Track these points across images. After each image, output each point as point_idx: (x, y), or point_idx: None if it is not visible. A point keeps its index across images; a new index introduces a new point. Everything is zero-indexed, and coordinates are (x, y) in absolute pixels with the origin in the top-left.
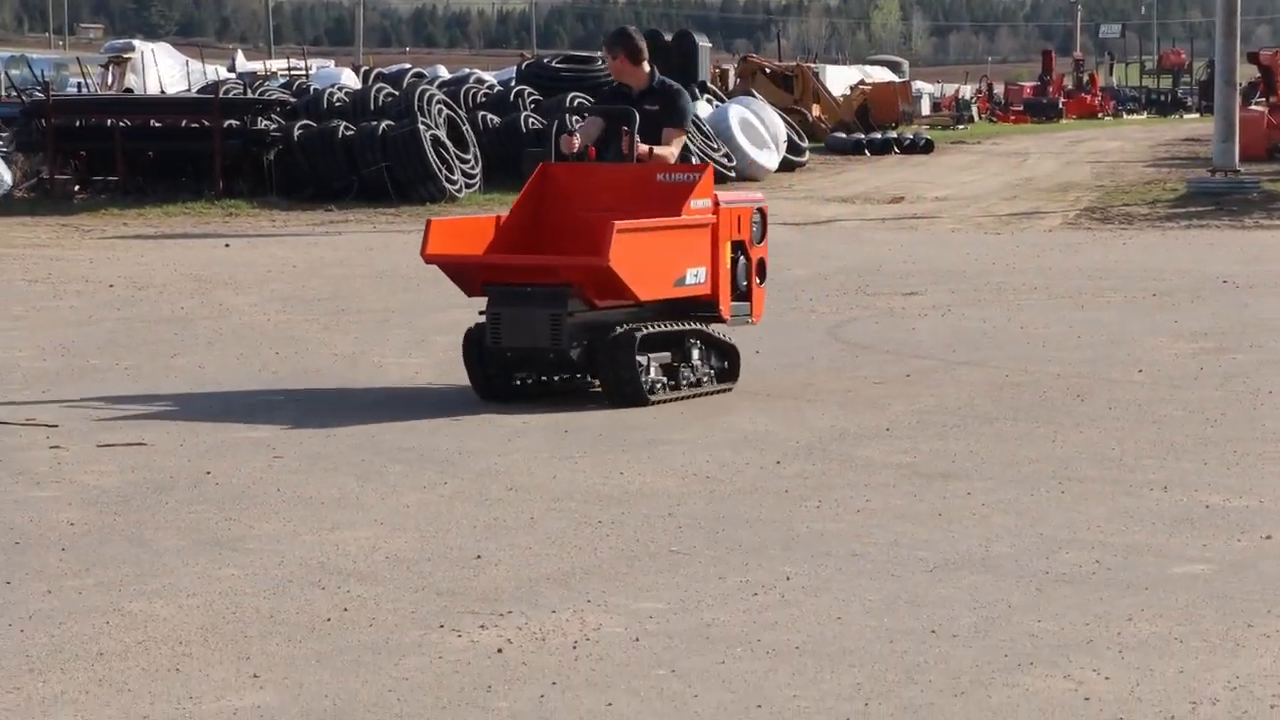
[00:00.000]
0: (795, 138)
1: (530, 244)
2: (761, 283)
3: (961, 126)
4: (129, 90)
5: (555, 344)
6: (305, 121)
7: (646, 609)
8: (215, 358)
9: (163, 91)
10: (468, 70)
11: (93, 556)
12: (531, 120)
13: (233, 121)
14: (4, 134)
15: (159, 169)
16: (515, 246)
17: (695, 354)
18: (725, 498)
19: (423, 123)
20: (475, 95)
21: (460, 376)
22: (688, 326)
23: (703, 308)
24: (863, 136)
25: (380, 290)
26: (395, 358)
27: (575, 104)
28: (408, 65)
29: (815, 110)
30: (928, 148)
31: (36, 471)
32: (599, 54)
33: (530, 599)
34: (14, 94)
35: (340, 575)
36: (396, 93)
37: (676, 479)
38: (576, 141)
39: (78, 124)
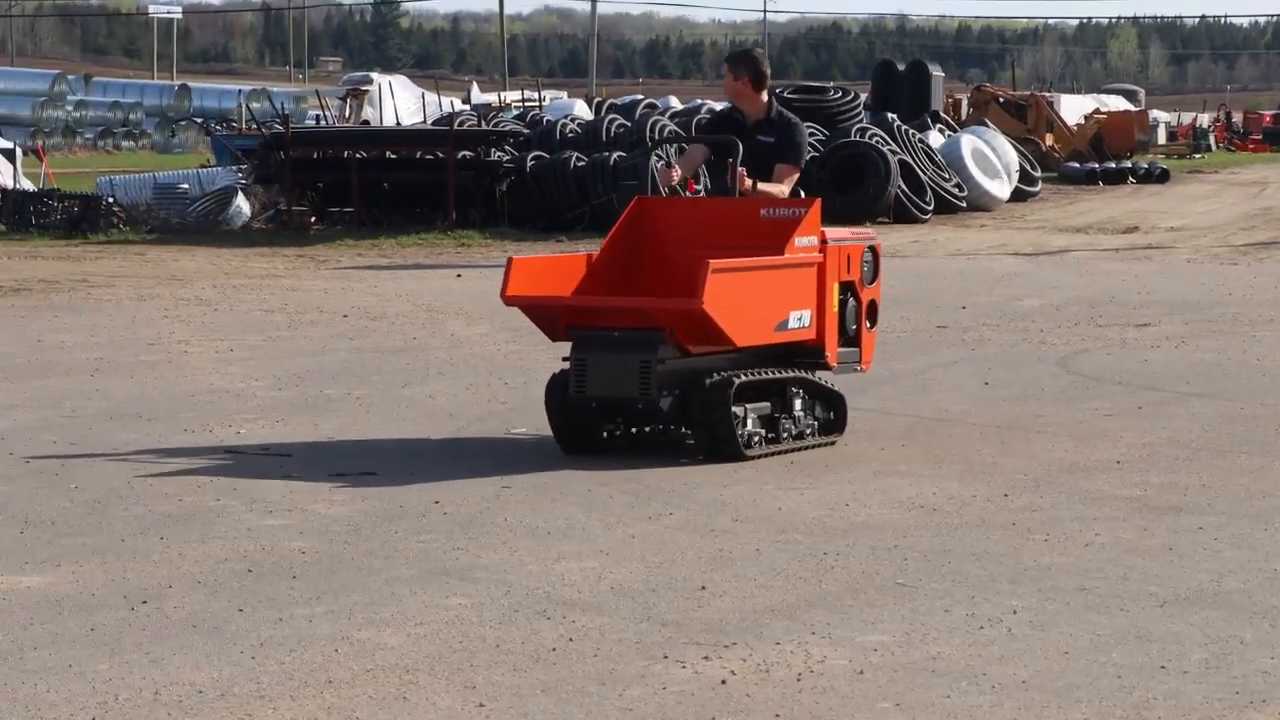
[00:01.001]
0: (1028, 167)
1: (622, 284)
2: (873, 327)
3: (1198, 155)
4: (366, 122)
5: (644, 393)
6: (538, 152)
7: (871, 641)
8: (446, 388)
9: (399, 123)
10: (700, 101)
11: (323, 585)
12: None
13: (467, 153)
14: (244, 166)
15: (394, 200)
16: (606, 287)
17: (798, 404)
18: (952, 530)
19: (654, 153)
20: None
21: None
22: (790, 374)
23: (807, 354)
24: (1096, 166)
25: None
26: None
27: (666, 132)
28: (640, 96)
29: (1049, 140)
30: (1163, 177)
31: (269, 500)
32: (831, 84)
33: (755, 630)
34: (254, 127)
35: (565, 605)
36: (628, 123)
37: (902, 511)
38: (675, 174)
39: (315, 156)
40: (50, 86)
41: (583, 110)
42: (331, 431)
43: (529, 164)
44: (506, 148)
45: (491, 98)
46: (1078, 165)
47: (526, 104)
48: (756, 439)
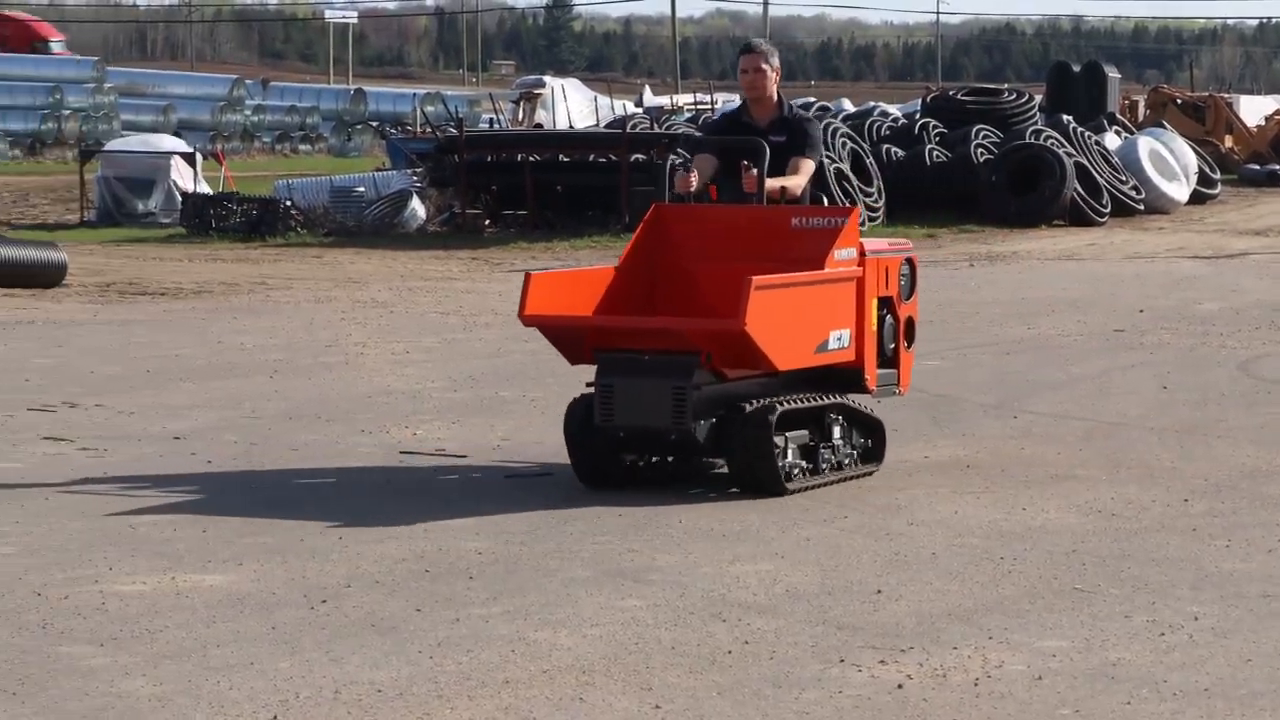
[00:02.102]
0: (1206, 169)
1: (641, 300)
2: (910, 346)
3: None
4: (539, 125)
5: (678, 422)
6: None
7: (1049, 647)
8: None
9: (571, 126)
10: (872, 103)
11: (499, 585)
12: (935, 153)
13: (639, 155)
14: (419, 169)
15: (567, 203)
16: (627, 304)
17: (837, 431)
18: (1131, 535)
19: (827, 156)
20: (879, 128)
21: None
22: (829, 400)
23: (845, 377)
24: (1277, 168)
25: None
26: None
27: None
28: (812, 99)
29: (1228, 141)
30: None
31: (445, 501)
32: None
33: (931, 635)
34: (429, 130)
35: (741, 608)
36: None
37: (1080, 515)
38: (695, 179)
39: (489, 159)
40: (229, 91)
41: None
42: (506, 433)
43: None
44: (679, 150)
45: (664, 100)
46: (1258, 167)
47: (698, 106)
48: (797, 471)
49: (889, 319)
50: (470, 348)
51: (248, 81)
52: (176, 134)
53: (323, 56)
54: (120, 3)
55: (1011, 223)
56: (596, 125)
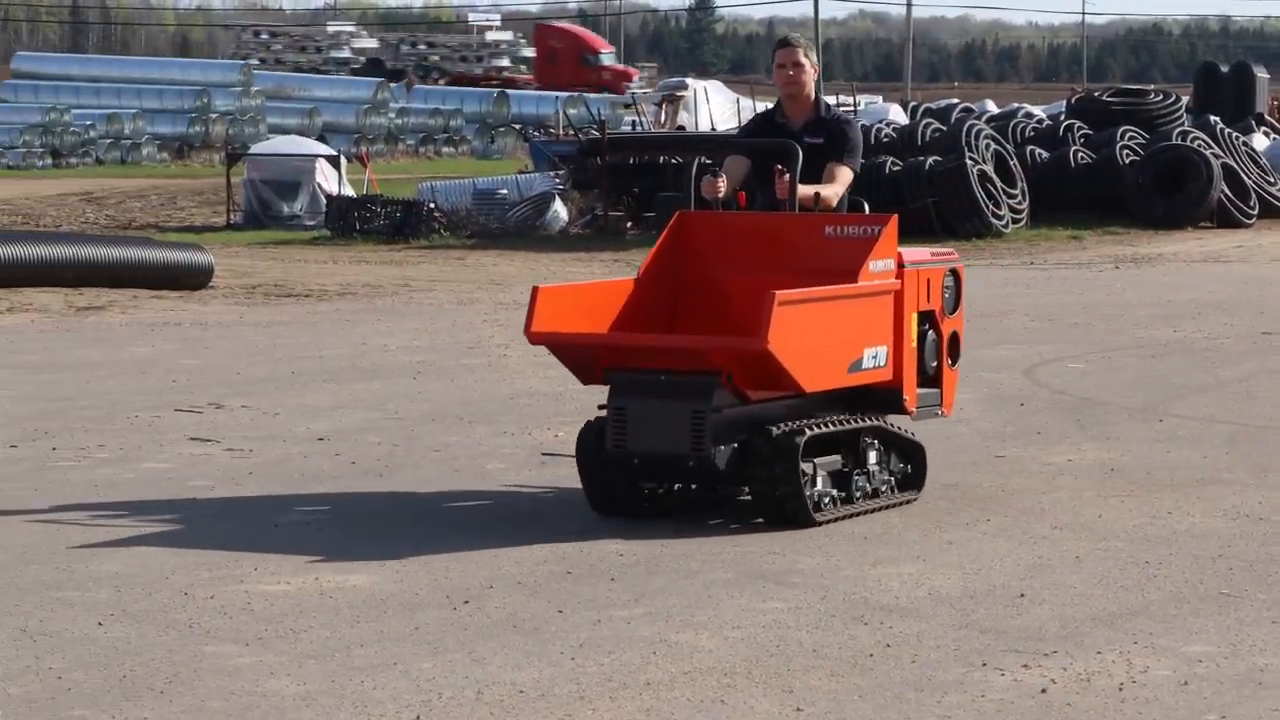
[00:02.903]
0: None
1: (666, 316)
2: (955, 364)
3: None
4: (681, 127)
5: (697, 448)
6: None
7: (1195, 652)
8: None
9: (714, 128)
10: (1016, 105)
11: (641, 587)
12: (1080, 155)
13: None
14: (561, 172)
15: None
16: (648, 320)
17: (872, 456)
18: (1278, 540)
19: (970, 158)
20: (1023, 130)
21: (1002, 416)
22: (864, 422)
23: (882, 397)
24: None
25: None
26: None
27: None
28: (955, 100)
29: None
30: None
31: (587, 503)
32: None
33: (1075, 639)
34: (571, 133)
35: (882, 610)
36: (944, 128)
37: (1226, 519)
38: (723, 185)
39: (631, 161)
40: (373, 94)
41: (898, 114)
42: None
43: None
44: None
45: None
46: None
47: (841, 108)
48: (827, 500)
49: (931, 335)
50: None
51: (392, 85)
52: (321, 137)
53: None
54: (266, 7)
55: (1157, 225)
56: (738, 127)
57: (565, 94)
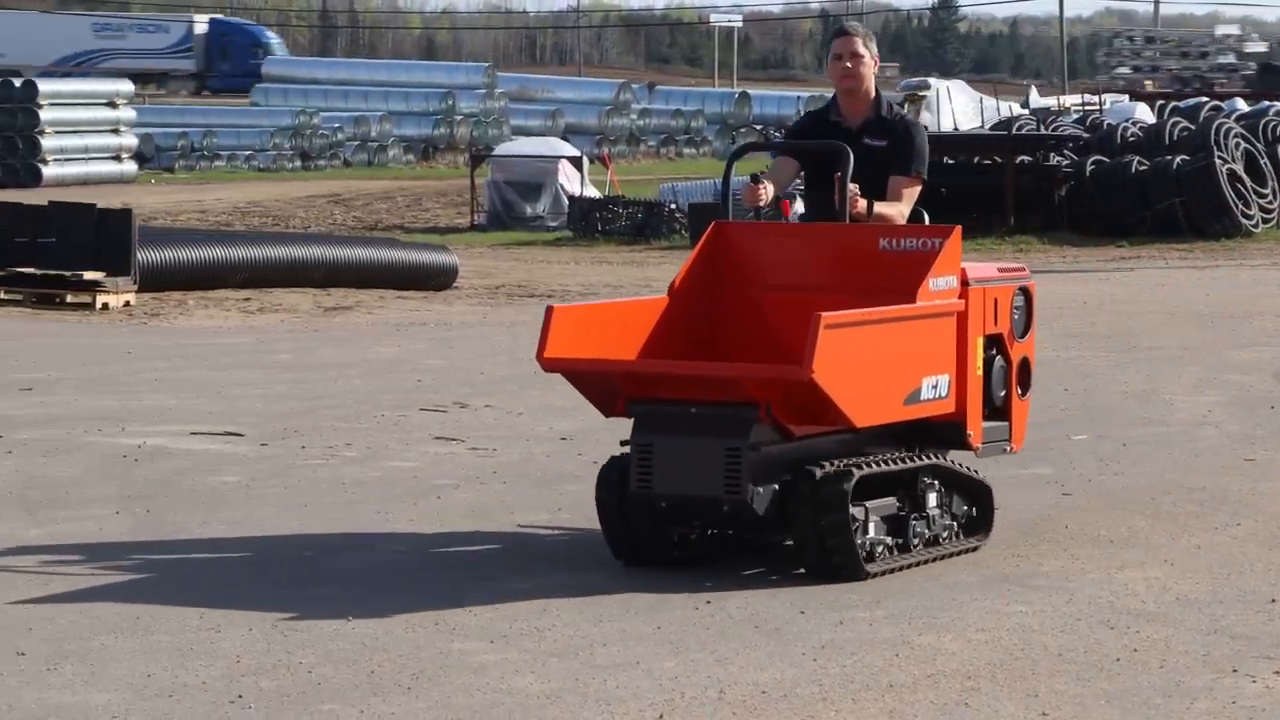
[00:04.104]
0: None
1: (700, 339)
2: (1025, 394)
3: None
4: (924, 128)
5: (732, 490)
6: (1097, 157)
7: None
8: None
9: (956, 129)
10: (1268, 103)
11: (884, 589)
12: None
13: (1025, 157)
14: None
15: (950, 205)
16: (677, 343)
17: (932, 499)
18: None
19: (1219, 156)
20: (1274, 128)
21: (1252, 419)
22: (922, 460)
23: (943, 432)
24: None
25: (1172, 327)
26: (1185, 395)
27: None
28: (1204, 99)
29: None
30: None
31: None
32: None
33: None
34: None
35: (1130, 615)
36: (1192, 127)
37: None
38: (765, 193)
39: None
40: (615, 95)
41: (1144, 114)
42: None
43: (1088, 168)
44: (1065, 152)
45: (1050, 101)
46: None
47: (1086, 107)
48: (880, 549)
49: (999, 361)
50: None
51: (634, 85)
52: (564, 138)
53: (708, 60)
54: (510, 9)
55: None
56: (981, 127)
57: (805, 94)
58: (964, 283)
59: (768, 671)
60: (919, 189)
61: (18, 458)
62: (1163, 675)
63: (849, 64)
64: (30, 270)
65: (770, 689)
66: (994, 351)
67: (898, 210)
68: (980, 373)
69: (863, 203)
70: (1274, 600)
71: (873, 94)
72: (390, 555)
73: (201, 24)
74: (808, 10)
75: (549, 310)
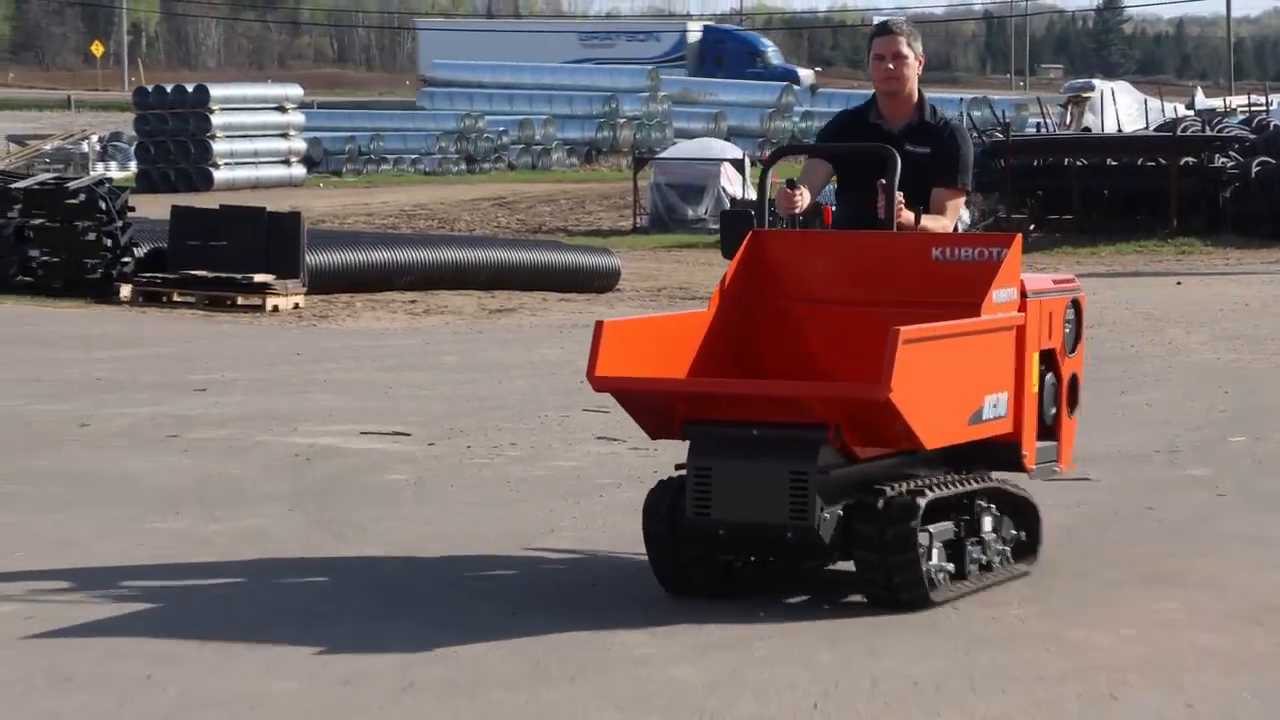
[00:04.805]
0: None
1: (743, 355)
2: (1073, 412)
3: None
4: (1087, 129)
5: (798, 517)
6: (1264, 158)
7: None
8: (1163, 396)
9: (1120, 130)
10: None
11: (1037, 585)
12: None
13: (1189, 159)
14: None
15: (1113, 207)
16: (718, 359)
17: (988, 523)
18: None
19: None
20: None
21: None
22: (980, 483)
23: (997, 452)
24: None
25: None
26: None
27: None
28: None
29: None
30: None
31: None
32: None
33: None
34: (975, 135)
35: (1278, 613)
36: None
37: None
38: (802, 199)
39: (1034, 163)
40: (778, 98)
41: None
42: None
43: (1254, 170)
44: (1231, 153)
45: (1216, 103)
46: None
47: (1253, 108)
48: (942, 575)
49: (1050, 378)
50: None
51: (796, 87)
52: (727, 140)
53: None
54: (673, 11)
55: None
56: (1146, 128)
57: (968, 96)
58: (1023, 295)
59: (920, 664)
60: (963, 202)
61: (194, 456)
62: None
63: (891, 65)
64: (202, 273)
65: (922, 681)
66: (1046, 368)
67: (942, 225)
68: (1035, 390)
69: (909, 214)
70: None
71: (916, 97)
72: (551, 552)
73: (695, 31)
74: (971, 12)
75: (599, 325)
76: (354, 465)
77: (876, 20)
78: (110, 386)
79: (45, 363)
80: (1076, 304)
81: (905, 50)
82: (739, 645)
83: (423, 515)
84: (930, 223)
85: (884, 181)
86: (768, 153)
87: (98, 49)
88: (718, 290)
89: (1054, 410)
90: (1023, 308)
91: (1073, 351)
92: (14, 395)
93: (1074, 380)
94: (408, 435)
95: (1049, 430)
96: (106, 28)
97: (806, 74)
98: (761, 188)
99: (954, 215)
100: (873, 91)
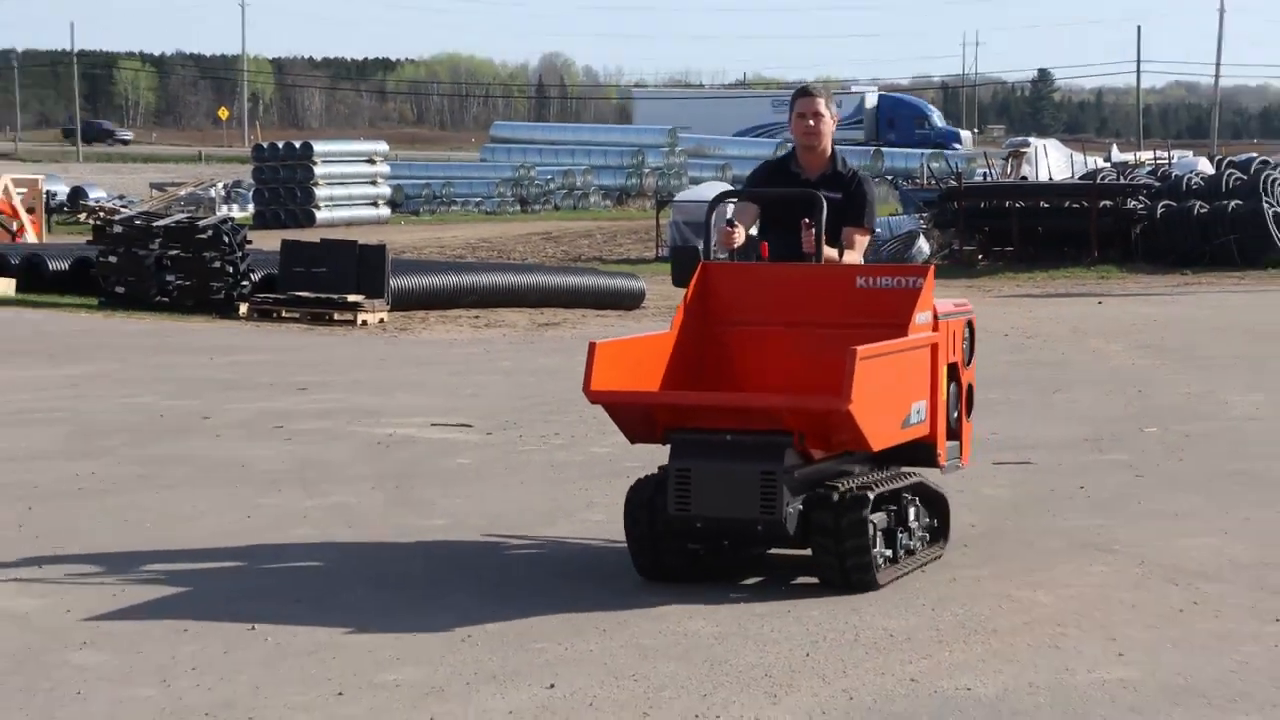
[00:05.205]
0: None
1: (701, 370)
2: (969, 416)
3: None
4: (1024, 178)
5: (767, 511)
6: (1167, 202)
7: None
8: (1088, 394)
9: (1051, 178)
10: None
11: (989, 551)
12: None
13: (1107, 202)
14: (925, 214)
15: (1045, 241)
16: (682, 372)
17: (912, 512)
18: None
19: (1265, 201)
20: None
21: None
22: (910, 479)
23: (914, 451)
24: None
25: (1226, 340)
26: (1237, 395)
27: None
28: (1255, 154)
29: None
30: None
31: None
32: None
33: None
34: (934, 183)
35: (1190, 575)
36: (1245, 177)
37: None
38: (739, 235)
39: (982, 205)
40: (774, 152)
41: (1205, 167)
42: (993, 427)
43: (1159, 211)
44: (1141, 198)
45: (1128, 157)
46: None
47: (1157, 162)
48: (882, 560)
49: (953, 387)
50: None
51: (789, 144)
52: (731, 185)
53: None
54: (689, 82)
55: None
56: (1071, 177)
57: (929, 151)
58: (935, 317)
59: (894, 619)
60: (869, 239)
61: (296, 444)
62: (1218, 623)
63: (812, 122)
64: (305, 294)
65: (896, 633)
66: (952, 379)
67: (855, 259)
68: (945, 398)
69: (832, 251)
70: None
71: (829, 151)
72: (587, 525)
73: (871, 98)
74: (930, 82)
75: (592, 346)
76: (426, 451)
77: (797, 86)
78: (229, 386)
79: (177, 367)
80: (970, 324)
81: (823, 110)
82: (745, 600)
83: (482, 493)
84: (847, 256)
85: (807, 221)
86: None
87: (224, 113)
88: (678, 314)
89: (956, 414)
90: (936, 328)
91: (969, 364)
92: (151, 393)
93: (970, 389)
94: (470, 427)
95: (954, 431)
96: (231, 96)
97: (966, 135)
98: (707, 226)
99: (860, 249)
100: (792, 144)
